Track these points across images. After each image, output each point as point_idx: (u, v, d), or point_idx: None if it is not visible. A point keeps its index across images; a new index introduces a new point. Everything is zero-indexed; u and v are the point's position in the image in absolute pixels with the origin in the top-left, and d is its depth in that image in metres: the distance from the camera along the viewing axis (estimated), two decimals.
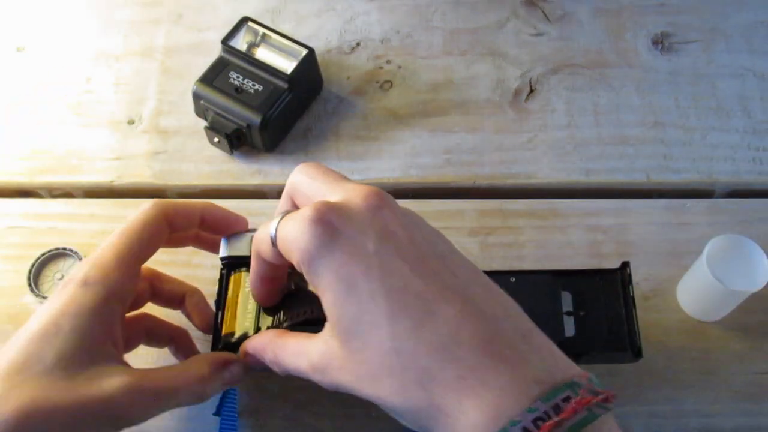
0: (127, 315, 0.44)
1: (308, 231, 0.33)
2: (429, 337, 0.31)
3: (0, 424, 0.34)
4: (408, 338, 0.31)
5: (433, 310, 0.32)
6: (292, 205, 0.39)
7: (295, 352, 0.37)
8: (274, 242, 0.35)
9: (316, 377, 0.35)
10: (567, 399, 0.30)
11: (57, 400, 0.35)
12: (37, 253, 0.54)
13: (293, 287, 0.43)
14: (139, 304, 0.46)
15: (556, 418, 0.29)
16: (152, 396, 0.38)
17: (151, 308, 0.47)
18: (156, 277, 0.46)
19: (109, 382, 0.36)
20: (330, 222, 0.33)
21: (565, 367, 0.32)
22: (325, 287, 0.33)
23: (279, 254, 0.36)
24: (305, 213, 0.33)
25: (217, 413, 0.47)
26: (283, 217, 0.35)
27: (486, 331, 0.32)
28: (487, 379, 0.30)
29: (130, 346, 0.44)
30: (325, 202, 0.34)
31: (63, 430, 0.35)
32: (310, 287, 0.35)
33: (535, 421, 0.29)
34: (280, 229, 0.35)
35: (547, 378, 0.30)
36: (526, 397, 0.30)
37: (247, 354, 0.41)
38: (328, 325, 0.34)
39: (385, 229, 0.34)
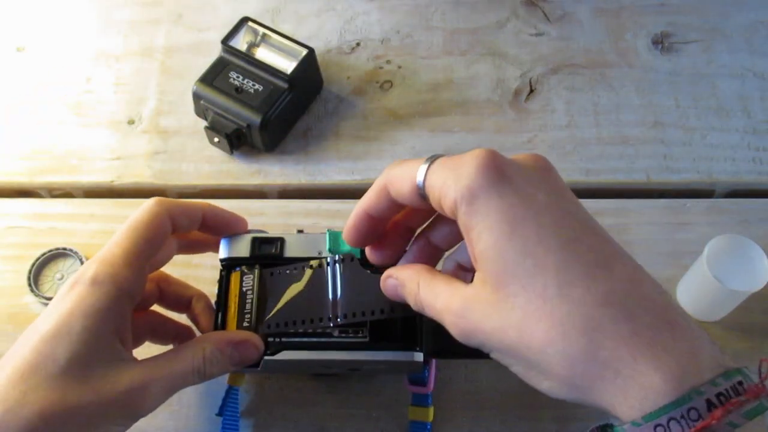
0: (135, 313, 0.44)
1: (476, 170, 0.31)
2: (602, 289, 0.29)
3: (21, 429, 0.34)
4: (578, 286, 0.29)
5: (607, 264, 0.30)
6: (386, 199, 0.37)
7: (439, 291, 0.34)
8: (421, 184, 0.34)
9: (452, 319, 0.33)
10: (741, 383, 0.28)
11: (73, 400, 0.35)
12: (37, 253, 0.54)
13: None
14: (146, 305, 0.46)
15: (739, 398, 0.28)
16: (163, 384, 0.38)
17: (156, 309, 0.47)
18: (164, 280, 0.47)
19: (122, 379, 0.37)
20: (501, 165, 0.32)
21: (728, 356, 0.30)
22: (485, 227, 0.31)
23: (419, 196, 0.34)
24: (472, 154, 0.32)
25: (220, 413, 0.47)
26: (434, 161, 0.34)
27: (659, 296, 0.30)
28: (667, 342, 0.28)
29: (135, 342, 0.44)
30: (493, 149, 0.32)
31: (82, 430, 0.36)
32: (463, 227, 0.32)
33: (718, 395, 0.27)
34: (434, 170, 0.33)
35: (720, 359, 0.29)
36: (708, 372, 0.28)
37: (387, 281, 0.38)
38: (478, 273, 0.32)
39: (555, 186, 0.33)
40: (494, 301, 0.31)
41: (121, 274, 0.39)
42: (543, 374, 0.31)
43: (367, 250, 0.41)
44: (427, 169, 0.34)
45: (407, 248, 0.41)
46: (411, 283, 0.37)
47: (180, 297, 0.47)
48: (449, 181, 0.32)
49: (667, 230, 0.57)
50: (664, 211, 0.58)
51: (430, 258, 0.40)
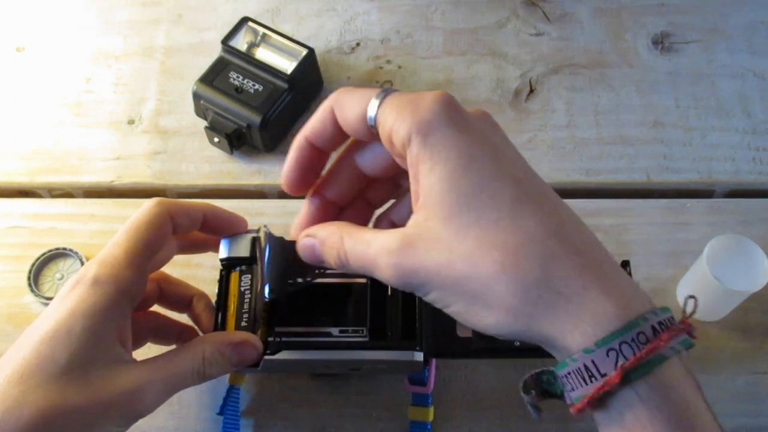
0: (135, 314, 0.44)
1: (436, 105, 0.32)
2: (553, 223, 0.31)
3: (20, 429, 0.34)
4: (532, 218, 0.31)
5: (554, 204, 0.32)
6: (332, 121, 0.36)
7: (369, 236, 0.34)
8: (372, 116, 0.33)
9: (387, 261, 0.32)
10: (672, 318, 0.30)
11: (73, 401, 0.35)
12: (37, 253, 0.54)
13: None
14: (147, 305, 0.46)
15: (678, 326, 0.30)
16: (163, 385, 0.38)
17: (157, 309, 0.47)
18: (164, 280, 0.47)
19: (122, 379, 0.37)
20: (459, 106, 0.33)
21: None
22: (440, 159, 0.31)
23: (367, 127, 0.34)
24: (432, 93, 0.33)
25: (221, 413, 0.47)
26: (388, 94, 0.33)
27: (599, 245, 0.32)
28: (613, 276, 0.30)
29: (137, 343, 0.45)
30: (450, 94, 0.33)
31: (81, 430, 0.36)
32: (414, 160, 0.32)
33: (659, 323, 0.29)
34: (388, 104, 0.33)
35: (650, 299, 0.31)
36: (647, 303, 0.30)
37: (303, 241, 0.37)
38: (422, 209, 0.32)
39: (503, 135, 0.34)
40: (442, 235, 0.31)
41: (122, 274, 0.39)
42: (489, 308, 0.31)
43: (286, 177, 0.38)
44: (381, 101, 0.33)
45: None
46: (332, 237, 0.35)
47: (181, 297, 0.47)
48: (405, 114, 0.32)
49: (667, 230, 0.57)
50: (664, 211, 0.58)
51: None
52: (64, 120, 0.62)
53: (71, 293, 0.38)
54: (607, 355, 0.29)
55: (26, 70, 0.65)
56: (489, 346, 0.43)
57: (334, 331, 0.42)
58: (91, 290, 0.38)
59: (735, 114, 0.63)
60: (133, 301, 0.40)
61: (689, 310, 0.31)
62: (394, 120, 0.32)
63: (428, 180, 0.32)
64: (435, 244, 0.31)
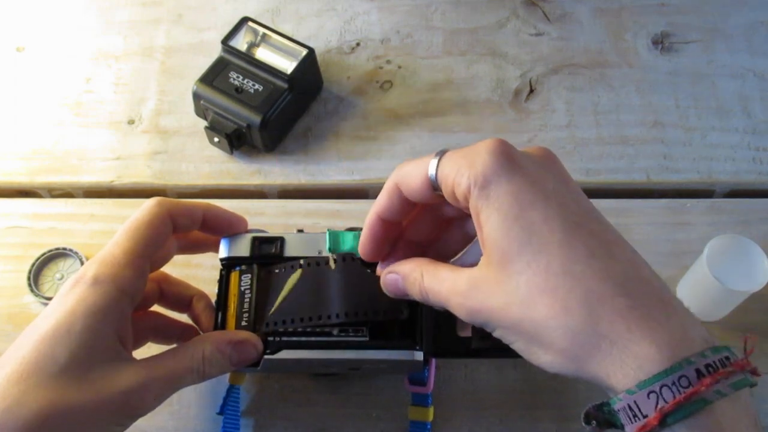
0: (135, 313, 0.44)
1: (489, 157, 0.33)
2: (602, 267, 0.31)
3: (20, 428, 0.34)
4: (580, 263, 0.31)
5: (607, 246, 0.32)
6: (398, 199, 0.38)
7: (443, 277, 0.36)
8: (434, 176, 0.35)
9: (457, 300, 0.35)
10: (728, 358, 0.30)
11: (73, 400, 0.35)
12: (37, 253, 0.54)
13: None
14: (147, 305, 0.46)
15: (727, 369, 0.30)
16: (163, 384, 0.38)
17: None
18: (164, 280, 0.47)
19: (121, 378, 0.37)
20: (512, 154, 0.34)
21: (715, 338, 0.32)
22: (495, 209, 0.33)
23: (430, 190, 0.36)
24: (483, 144, 0.34)
25: (221, 412, 0.47)
26: (444, 154, 0.35)
27: (656, 281, 0.32)
28: (660, 317, 0.31)
29: (137, 343, 0.45)
30: (504, 140, 0.34)
31: (81, 430, 0.36)
32: (474, 212, 0.34)
33: (706, 366, 0.29)
34: (446, 162, 0.35)
35: (707, 336, 0.31)
36: (698, 345, 0.30)
37: (387, 277, 0.40)
38: (484, 256, 0.34)
39: (562, 175, 0.35)
40: (500, 279, 0.33)
41: (122, 274, 0.39)
42: (544, 348, 0.32)
43: (364, 247, 0.41)
44: (439, 161, 0.35)
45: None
46: (414, 273, 0.38)
47: (181, 297, 0.47)
48: (463, 169, 0.34)
49: (667, 230, 0.57)
50: (664, 211, 0.58)
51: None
52: (64, 120, 0.62)
53: (71, 292, 0.38)
54: (648, 397, 0.29)
55: (26, 70, 0.65)
56: (489, 346, 0.43)
57: (334, 330, 0.42)
58: (91, 289, 0.38)
59: (735, 114, 0.63)
60: (133, 301, 0.40)
61: (748, 348, 0.32)
62: (454, 176, 0.34)
63: (487, 227, 0.33)
64: (494, 287, 0.33)
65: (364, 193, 0.60)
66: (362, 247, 0.40)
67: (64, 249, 0.54)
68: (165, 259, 0.45)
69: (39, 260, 0.53)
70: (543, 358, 0.33)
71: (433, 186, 0.36)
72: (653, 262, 0.54)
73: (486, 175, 0.33)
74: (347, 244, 0.45)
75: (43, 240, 0.56)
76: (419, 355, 0.42)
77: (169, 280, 0.47)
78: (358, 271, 0.42)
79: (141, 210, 0.42)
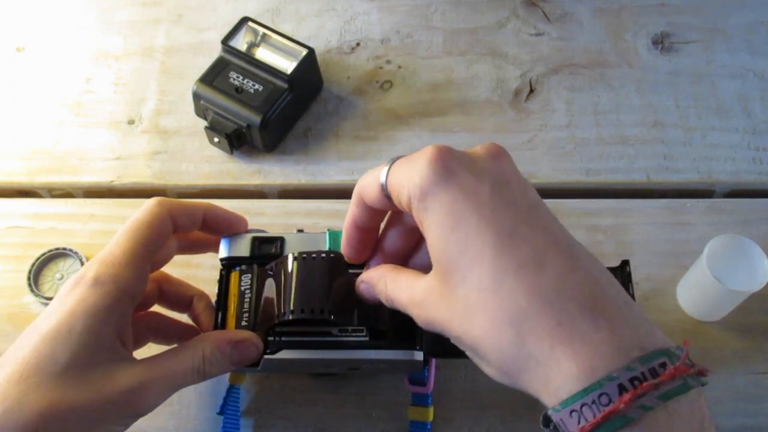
0: (136, 314, 0.44)
1: (425, 168, 0.33)
2: (532, 281, 0.31)
3: (20, 429, 0.34)
4: (509, 277, 0.31)
5: (540, 257, 0.32)
6: (365, 208, 0.39)
7: (403, 285, 0.37)
8: (384, 185, 0.36)
9: (415, 311, 0.35)
10: (663, 365, 0.29)
11: (74, 401, 0.35)
12: (37, 253, 0.54)
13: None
14: (147, 305, 0.46)
15: (652, 381, 0.29)
16: (163, 384, 0.38)
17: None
18: (165, 280, 0.47)
19: (122, 379, 0.37)
20: (448, 162, 0.33)
21: (663, 337, 0.31)
22: (432, 221, 0.33)
23: (385, 198, 0.36)
24: (423, 152, 0.34)
25: (221, 412, 0.47)
26: (394, 162, 0.36)
27: (591, 287, 0.31)
28: (586, 332, 0.30)
29: (138, 343, 0.45)
30: (444, 145, 0.34)
31: (82, 430, 0.36)
32: (418, 224, 0.35)
33: (631, 380, 0.29)
34: (393, 171, 0.36)
35: (645, 343, 0.30)
36: (624, 357, 0.29)
37: (360, 285, 0.41)
38: (433, 266, 0.34)
39: (501, 176, 0.34)
40: (443, 293, 0.33)
41: (122, 274, 0.39)
42: (484, 362, 0.33)
43: (346, 251, 0.42)
44: (388, 171, 0.36)
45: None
46: (380, 282, 0.39)
47: (181, 297, 0.47)
48: (404, 180, 0.34)
49: (667, 230, 0.57)
50: (664, 211, 0.58)
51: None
52: (64, 120, 0.62)
53: (72, 293, 0.38)
54: (570, 416, 0.29)
55: (26, 70, 0.65)
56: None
57: (334, 330, 0.42)
58: (91, 290, 0.38)
59: (735, 114, 0.63)
60: (134, 301, 0.40)
61: (677, 360, 0.30)
62: (398, 188, 0.35)
63: (429, 239, 0.34)
64: (439, 300, 0.33)
65: None
66: (343, 250, 0.41)
67: (64, 249, 0.54)
68: (165, 259, 0.45)
69: (39, 260, 0.53)
70: (486, 369, 0.33)
71: (386, 195, 0.36)
72: (653, 262, 0.55)
73: (423, 186, 0.33)
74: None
75: (43, 240, 0.56)
76: (419, 355, 0.42)
77: (170, 280, 0.47)
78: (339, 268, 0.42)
79: (141, 210, 0.42)
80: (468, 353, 0.34)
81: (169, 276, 0.47)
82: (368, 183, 0.38)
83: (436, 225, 0.33)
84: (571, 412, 0.29)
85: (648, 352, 0.30)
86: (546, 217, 0.34)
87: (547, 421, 0.31)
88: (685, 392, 0.29)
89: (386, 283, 0.38)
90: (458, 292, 0.32)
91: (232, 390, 0.47)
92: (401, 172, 0.35)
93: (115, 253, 0.40)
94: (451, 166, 0.33)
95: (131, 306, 0.40)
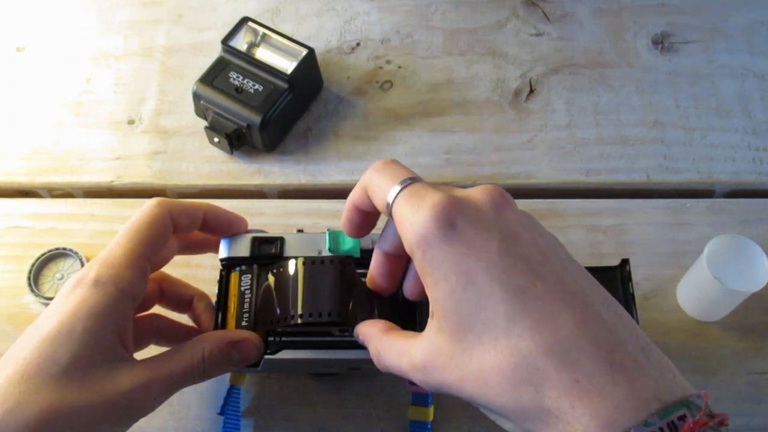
0: (137, 315, 0.44)
1: (429, 218, 0.33)
2: (547, 339, 0.31)
3: (21, 430, 0.34)
4: (525, 338, 0.31)
5: (554, 312, 0.31)
6: (366, 197, 0.38)
7: (398, 351, 0.36)
8: (389, 208, 0.35)
9: (418, 376, 0.35)
10: (683, 417, 0.29)
11: (75, 402, 0.35)
12: (37, 253, 0.54)
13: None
14: (147, 306, 0.46)
15: None
16: (164, 385, 0.38)
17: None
18: (165, 280, 0.47)
19: (123, 380, 0.37)
20: (454, 215, 0.33)
21: (683, 385, 0.31)
22: (440, 278, 0.33)
23: (386, 212, 0.36)
24: (430, 199, 0.33)
25: (221, 412, 0.47)
26: (404, 188, 0.35)
27: (607, 339, 0.31)
28: (605, 387, 0.30)
29: (140, 345, 0.45)
30: (450, 195, 0.33)
31: (83, 431, 0.36)
32: (420, 272, 0.34)
33: None
34: (399, 202, 0.35)
35: (664, 394, 0.30)
36: (643, 411, 0.29)
37: (359, 338, 0.40)
38: (435, 320, 0.34)
39: (509, 229, 0.33)
40: (452, 354, 0.32)
41: (123, 275, 0.39)
42: (502, 419, 0.33)
43: (369, 279, 0.41)
44: (396, 197, 0.35)
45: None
46: (371, 347, 0.38)
47: (181, 297, 0.47)
48: (407, 223, 0.34)
49: (667, 230, 0.57)
50: (664, 211, 0.58)
51: None
52: (64, 120, 0.62)
53: (72, 293, 0.38)
54: None
55: (26, 70, 0.65)
56: None
57: (335, 330, 0.42)
58: (92, 290, 0.38)
59: (735, 114, 0.63)
60: (135, 302, 0.40)
61: (697, 411, 0.30)
62: (402, 226, 0.34)
63: (434, 294, 0.33)
64: (448, 362, 0.33)
65: None
66: (342, 226, 0.40)
67: (64, 249, 0.54)
68: (165, 260, 0.45)
69: (39, 260, 0.53)
70: (505, 425, 0.33)
71: (390, 214, 0.36)
72: (653, 262, 0.55)
73: (426, 238, 0.33)
74: (347, 244, 0.44)
75: (43, 240, 0.56)
76: None
77: (170, 281, 0.47)
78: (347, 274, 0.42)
79: (141, 211, 0.42)
80: (484, 410, 0.34)
81: (169, 276, 0.47)
82: (375, 187, 0.37)
83: (445, 283, 0.32)
84: None
85: (667, 405, 0.29)
86: (558, 268, 0.33)
87: None
88: None
89: (378, 349, 0.37)
90: (472, 353, 0.32)
91: (232, 390, 0.47)
92: (407, 210, 0.34)
93: (116, 254, 0.40)
94: (455, 220, 0.33)
95: (132, 307, 0.40)
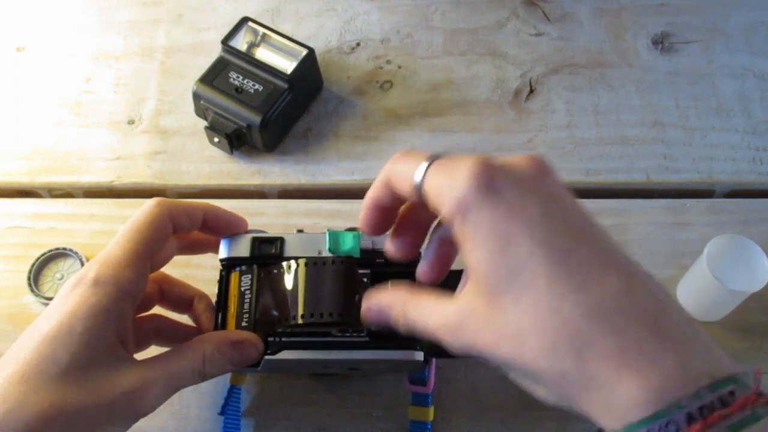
0: (138, 315, 0.44)
1: (470, 182, 0.31)
2: (592, 302, 0.30)
3: (21, 430, 0.34)
4: (568, 300, 0.30)
5: (599, 276, 0.30)
6: (390, 188, 0.36)
7: (428, 309, 0.35)
8: (419, 185, 0.34)
9: (447, 337, 0.33)
10: (732, 393, 0.28)
11: (75, 402, 0.35)
12: (37, 253, 0.54)
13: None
14: (148, 306, 0.46)
15: (722, 411, 0.27)
16: (164, 384, 0.38)
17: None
18: (165, 281, 0.47)
19: (123, 379, 0.37)
20: (494, 178, 0.32)
21: (731, 363, 0.30)
22: (478, 241, 0.31)
23: (416, 196, 0.34)
24: (466, 163, 0.32)
25: (222, 412, 0.47)
26: (432, 162, 0.34)
27: (654, 308, 0.30)
28: (653, 356, 0.28)
29: (141, 345, 0.45)
30: (487, 158, 0.32)
31: (83, 431, 0.36)
32: (458, 238, 0.33)
33: (700, 408, 0.27)
34: (431, 175, 0.33)
35: (713, 369, 0.29)
36: (693, 383, 0.28)
37: (369, 310, 0.38)
38: (471, 284, 0.33)
39: (550, 194, 0.32)
40: (489, 315, 0.32)
41: (122, 275, 0.39)
42: (536, 383, 0.32)
43: (387, 243, 0.40)
44: (425, 172, 0.34)
45: (423, 249, 0.40)
46: (396, 305, 0.37)
47: (181, 297, 0.47)
48: (444, 190, 0.32)
49: (667, 230, 0.57)
50: (664, 211, 0.58)
51: (450, 254, 0.39)
52: (64, 120, 0.62)
53: (72, 293, 0.38)
54: None
55: (26, 70, 0.65)
56: None
57: (335, 330, 0.42)
58: (92, 290, 0.38)
59: (735, 114, 0.63)
60: (134, 302, 0.40)
61: (750, 384, 0.29)
62: (436, 197, 0.33)
63: (471, 259, 0.32)
64: (483, 324, 0.32)
65: (364, 193, 0.59)
66: (361, 225, 0.39)
67: (64, 249, 0.54)
68: (165, 260, 0.45)
69: (39, 260, 0.53)
70: (539, 391, 0.32)
71: (418, 195, 0.34)
72: (653, 263, 0.55)
73: (465, 202, 0.31)
74: (347, 244, 0.45)
75: (43, 240, 0.56)
76: (420, 355, 0.42)
77: (170, 281, 0.47)
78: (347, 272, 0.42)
79: (141, 211, 0.42)
80: (514, 375, 0.33)
81: (169, 277, 0.47)
82: (401, 175, 0.35)
83: (484, 245, 0.31)
84: None
85: (717, 379, 0.28)
86: (601, 236, 0.32)
87: None
88: (755, 422, 0.28)
89: (406, 308, 0.36)
90: (509, 314, 0.31)
91: (233, 390, 0.47)
92: (441, 179, 0.33)
93: (116, 254, 0.40)
94: (495, 182, 0.32)
95: (132, 306, 0.40)
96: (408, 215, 0.39)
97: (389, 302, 0.37)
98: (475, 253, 0.32)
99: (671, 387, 0.28)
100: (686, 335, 0.30)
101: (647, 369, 0.28)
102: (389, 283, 0.41)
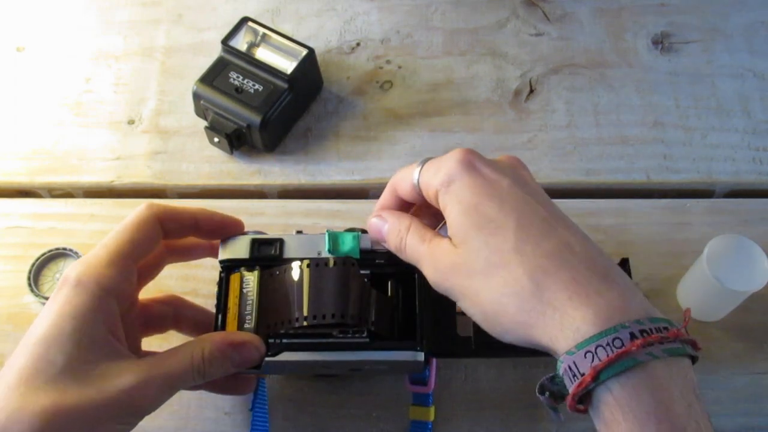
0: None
1: (455, 163, 0.39)
2: (550, 247, 0.36)
3: (26, 431, 0.34)
4: (530, 243, 0.36)
5: (557, 229, 0.37)
6: (396, 198, 0.44)
7: (427, 236, 0.41)
8: (416, 183, 0.41)
9: (428, 264, 0.40)
10: (667, 329, 0.33)
11: (73, 403, 0.35)
12: (37, 253, 0.54)
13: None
14: (162, 328, 0.46)
15: (659, 335, 0.33)
16: (163, 383, 0.38)
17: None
18: (181, 305, 0.47)
19: (121, 377, 0.37)
20: (475, 161, 0.39)
21: (661, 313, 0.35)
22: (457, 201, 0.38)
23: (417, 193, 0.42)
24: (453, 152, 0.40)
25: (252, 408, 0.47)
26: (425, 163, 0.41)
27: (603, 263, 0.36)
28: (600, 288, 0.34)
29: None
30: (470, 148, 0.40)
31: (86, 430, 0.36)
32: (442, 207, 0.39)
33: (641, 331, 0.33)
34: (424, 172, 0.41)
35: (649, 309, 0.34)
36: (634, 314, 0.33)
37: (374, 220, 0.44)
38: (452, 239, 0.39)
39: (520, 177, 0.40)
40: (463, 254, 0.38)
41: (104, 273, 0.39)
42: (498, 317, 0.36)
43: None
44: (420, 169, 0.41)
45: None
46: (401, 225, 0.42)
47: (197, 321, 0.47)
48: (433, 175, 0.40)
49: (667, 230, 0.57)
50: (664, 211, 0.58)
51: None
52: (64, 120, 0.62)
53: (57, 295, 0.39)
54: (585, 356, 0.33)
55: (26, 70, 0.65)
56: (489, 346, 0.43)
57: (335, 332, 0.42)
58: (74, 291, 0.38)
59: (735, 114, 0.63)
60: (121, 300, 0.40)
61: (686, 319, 0.36)
62: (428, 180, 0.40)
63: (450, 217, 0.39)
64: (457, 264, 0.38)
65: (364, 193, 0.60)
66: (370, 230, 0.45)
67: (64, 249, 0.54)
68: (156, 265, 0.45)
69: (39, 260, 0.53)
70: (497, 328, 0.37)
71: (418, 191, 0.41)
72: (653, 262, 0.55)
73: (449, 176, 0.39)
74: (347, 245, 0.45)
75: (43, 240, 0.56)
76: (420, 356, 0.42)
77: (185, 305, 0.47)
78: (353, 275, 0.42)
79: (131, 214, 0.42)
80: (477, 316, 0.37)
81: (185, 300, 0.47)
82: (402, 179, 0.43)
83: (460, 203, 0.38)
84: (586, 352, 0.33)
85: (653, 317, 0.34)
86: (561, 214, 0.39)
87: (543, 389, 0.35)
88: (684, 354, 0.33)
89: (409, 228, 0.41)
90: (480, 254, 0.37)
91: (258, 387, 0.47)
92: (431, 170, 0.40)
93: (99, 254, 0.40)
94: (475, 163, 0.39)
95: (118, 305, 0.40)
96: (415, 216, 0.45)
97: (395, 220, 0.43)
98: (453, 211, 0.38)
99: (616, 314, 0.33)
100: (627, 284, 0.36)
101: (596, 297, 0.34)
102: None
